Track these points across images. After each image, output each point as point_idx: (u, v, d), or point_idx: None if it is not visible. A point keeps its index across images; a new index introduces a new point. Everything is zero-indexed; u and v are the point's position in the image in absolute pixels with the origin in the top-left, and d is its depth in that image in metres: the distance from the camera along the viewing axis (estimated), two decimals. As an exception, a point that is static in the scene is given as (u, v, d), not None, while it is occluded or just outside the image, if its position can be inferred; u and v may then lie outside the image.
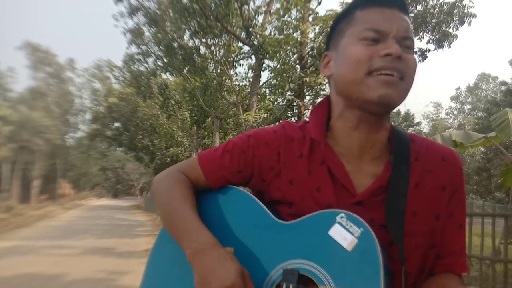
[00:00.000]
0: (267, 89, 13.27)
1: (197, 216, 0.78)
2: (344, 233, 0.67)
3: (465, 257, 0.80)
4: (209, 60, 13.38)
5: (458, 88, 48.02)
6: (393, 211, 0.72)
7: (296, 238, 0.72)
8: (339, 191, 0.75)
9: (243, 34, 11.14)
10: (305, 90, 9.31)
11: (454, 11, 10.29)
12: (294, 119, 9.53)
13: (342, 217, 0.68)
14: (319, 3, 10.02)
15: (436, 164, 0.78)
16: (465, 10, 10.30)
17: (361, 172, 0.77)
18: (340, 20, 0.80)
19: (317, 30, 9.11)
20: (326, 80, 0.83)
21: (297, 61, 9.57)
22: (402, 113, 28.96)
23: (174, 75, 14.87)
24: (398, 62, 0.69)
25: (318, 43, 8.66)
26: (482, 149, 21.30)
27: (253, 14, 11.74)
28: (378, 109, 0.72)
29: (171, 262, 0.83)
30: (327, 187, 0.76)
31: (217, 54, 13.19)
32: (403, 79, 0.70)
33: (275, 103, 11.59)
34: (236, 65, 14.00)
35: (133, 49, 14.96)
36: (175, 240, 0.78)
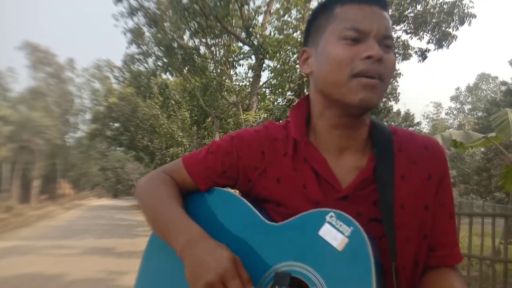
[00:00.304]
0: (267, 89, 13.29)
1: (184, 212, 0.77)
2: (334, 233, 0.66)
3: (458, 247, 0.80)
4: (209, 60, 13.39)
5: (457, 88, 48.04)
6: (384, 204, 0.72)
7: (286, 239, 0.71)
8: (324, 187, 0.75)
9: (243, 34, 11.15)
10: (305, 90, 9.31)
11: (454, 11, 10.29)
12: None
13: (331, 217, 0.67)
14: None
15: (419, 154, 0.78)
16: (465, 10, 10.31)
17: (345, 167, 0.77)
18: (318, 15, 0.78)
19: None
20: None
21: (297, 61, 9.57)
22: (402, 113, 28.94)
23: (174, 75, 14.89)
24: (378, 64, 0.69)
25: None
26: (482, 149, 21.30)
27: (253, 14, 11.75)
28: (358, 111, 0.74)
29: (164, 264, 0.82)
30: (313, 184, 0.76)
31: (217, 54, 13.21)
32: (382, 81, 0.71)
33: (275, 103, 11.60)
34: (236, 65, 14.02)
35: (133, 49, 14.98)
36: (164, 240, 0.77)
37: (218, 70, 13.29)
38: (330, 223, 0.67)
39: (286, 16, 10.27)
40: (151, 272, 0.84)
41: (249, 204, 0.78)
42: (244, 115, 10.31)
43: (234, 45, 12.97)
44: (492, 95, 36.85)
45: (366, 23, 0.70)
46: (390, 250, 0.70)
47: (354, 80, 0.70)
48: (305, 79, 8.58)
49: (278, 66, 9.95)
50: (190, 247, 0.70)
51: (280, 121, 0.87)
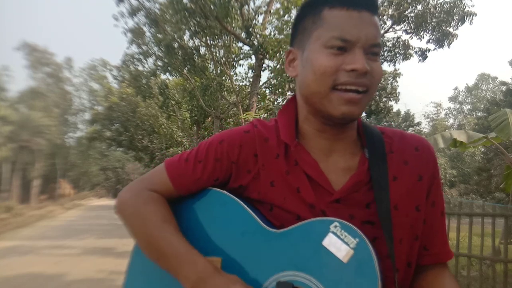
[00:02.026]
0: (267, 89, 13.29)
1: (185, 240, 0.74)
2: (339, 244, 0.65)
3: (448, 244, 0.81)
4: (209, 60, 13.39)
5: (456, 88, 48.02)
6: (381, 206, 0.72)
7: (288, 248, 0.69)
8: (317, 190, 0.74)
9: (243, 34, 11.15)
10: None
11: (454, 10, 10.29)
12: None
13: (336, 226, 0.66)
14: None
15: (411, 155, 0.78)
16: (465, 9, 10.31)
17: (335, 168, 0.76)
18: (306, 15, 0.75)
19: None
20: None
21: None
22: (402, 113, 28.91)
23: (174, 75, 14.88)
24: (363, 77, 0.68)
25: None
26: (482, 149, 21.30)
27: (253, 14, 11.75)
28: (340, 123, 0.73)
29: (152, 270, 0.78)
30: (306, 187, 0.74)
31: (217, 54, 13.20)
32: (367, 92, 0.70)
33: (275, 103, 11.62)
34: (236, 65, 14.01)
35: (134, 49, 14.97)
36: (165, 270, 0.74)
37: (218, 70, 13.29)
38: (335, 233, 0.65)
39: (286, 16, 10.27)
40: (140, 273, 0.81)
41: (247, 208, 0.75)
42: (244, 115, 10.31)
43: (234, 45, 12.97)
44: (492, 95, 36.84)
45: (353, 31, 0.68)
46: (389, 253, 0.70)
47: (335, 92, 0.69)
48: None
49: (278, 66, 9.95)
50: (201, 285, 0.68)
51: (268, 120, 0.85)
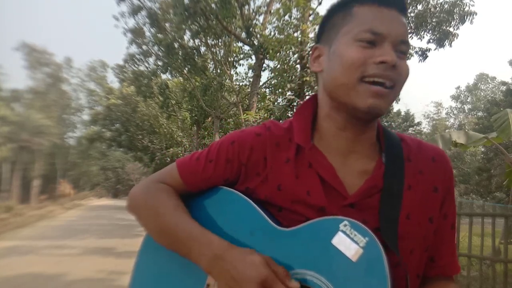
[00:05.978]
0: (267, 89, 13.30)
1: (196, 222, 0.74)
2: (348, 243, 0.64)
3: (456, 257, 0.80)
4: (209, 60, 13.40)
5: (458, 87, 47.98)
6: (387, 213, 0.71)
7: (297, 246, 0.69)
8: (330, 193, 0.73)
9: (244, 34, 11.16)
10: (305, 89, 9.31)
11: (455, 10, 10.29)
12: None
13: (345, 225, 0.65)
14: (320, 3, 10.03)
15: (427, 165, 0.77)
16: (465, 9, 10.31)
17: (351, 171, 0.75)
18: (335, 12, 0.76)
19: (317, 29, 9.11)
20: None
21: (297, 61, 9.57)
22: (402, 113, 28.91)
23: (174, 75, 14.89)
24: (392, 70, 0.68)
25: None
26: (482, 149, 21.30)
27: (254, 14, 11.76)
28: (365, 117, 0.72)
29: (161, 263, 0.80)
30: (317, 190, 0.73)
31: (218, 54, 13.21)
32: (393, 88, 0.69)
33: (275, 103, 11.60)
34: (236, 65, 14.02)
35: (134, 49, 14.99)
36: (180, 255, 0.74)
37: (218, 70, 13.29)
38: (344, 232, 0.65)
39: (287, 16, 10.27)
40: (147, 271, 0.82)
41: (256, 206, 0.75)
42: (244, 115, 10.31)
43: (235, 45, 12.97)
44: (492, 95, 36.83)
45: (384, 26, 0.69)
46: (398, 261, 0.69)
47: (362, 85, 0.68)
48: (305, 79, 8.57)
49: (278, 66, 9.94)
50: (218, 261, 0.68)
51: (281, 121, 0.84)
